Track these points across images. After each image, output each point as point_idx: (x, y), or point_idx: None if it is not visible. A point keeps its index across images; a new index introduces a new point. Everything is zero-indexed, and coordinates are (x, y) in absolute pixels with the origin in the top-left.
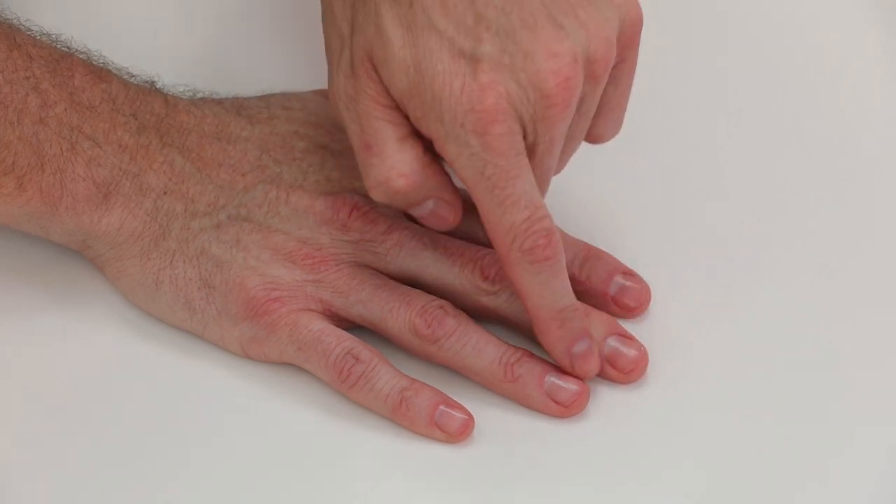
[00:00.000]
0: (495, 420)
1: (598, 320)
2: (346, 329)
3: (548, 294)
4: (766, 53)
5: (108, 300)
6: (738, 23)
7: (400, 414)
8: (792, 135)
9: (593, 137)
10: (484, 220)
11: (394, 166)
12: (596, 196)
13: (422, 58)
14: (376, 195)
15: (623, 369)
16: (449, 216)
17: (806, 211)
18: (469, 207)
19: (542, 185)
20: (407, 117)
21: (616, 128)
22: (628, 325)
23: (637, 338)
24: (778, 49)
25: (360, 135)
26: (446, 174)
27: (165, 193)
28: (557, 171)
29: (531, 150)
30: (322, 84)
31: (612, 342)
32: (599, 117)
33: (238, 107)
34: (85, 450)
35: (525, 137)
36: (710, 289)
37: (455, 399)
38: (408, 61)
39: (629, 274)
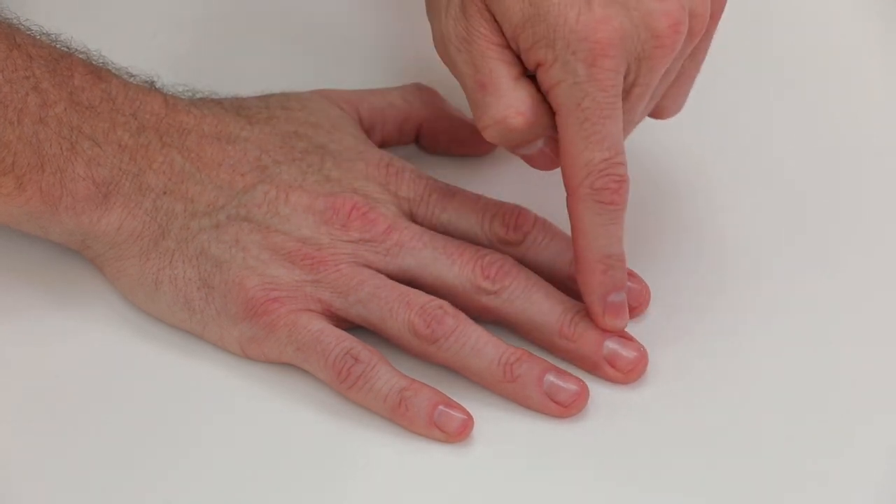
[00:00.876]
0: (495, 420)
1: None
2: (346, 329)
3: (602, 237)
4: (766, 49)
5: (108, 300)
6: (738, 19)
7: (399, 414)
8: (792, 131)
9: (658, 111)
10: (562, 151)
11: (511, 104)
12: None
13: None
14: (491, 134)
15: (622, 369)
16: (556, 155)
17: (807, 210)
18: (468, 205)
19: (625, 132)
20: (518, 57)
21: (680, 105)
22: (628, 325)
23: (637, 338)
24: (778, 45)
25: (473, 75)
26: None
27: (165, 193)
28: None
29: (627, 93)
30: (321, 84)
31: (612, 343)
32: (670, 87)
33: (237, 107)
34: (85, 449)
35: (626, 77)
36: (710, 289)
37: (455, 399)
38: None
39: (629, 274)
